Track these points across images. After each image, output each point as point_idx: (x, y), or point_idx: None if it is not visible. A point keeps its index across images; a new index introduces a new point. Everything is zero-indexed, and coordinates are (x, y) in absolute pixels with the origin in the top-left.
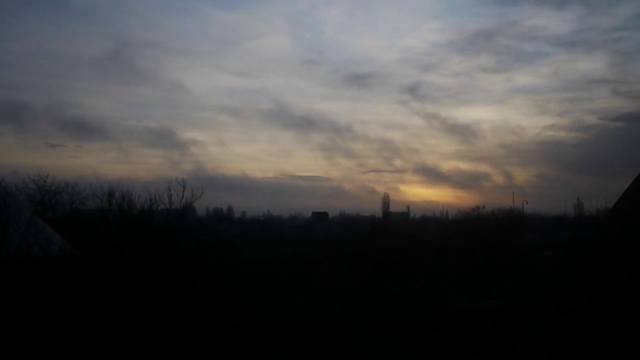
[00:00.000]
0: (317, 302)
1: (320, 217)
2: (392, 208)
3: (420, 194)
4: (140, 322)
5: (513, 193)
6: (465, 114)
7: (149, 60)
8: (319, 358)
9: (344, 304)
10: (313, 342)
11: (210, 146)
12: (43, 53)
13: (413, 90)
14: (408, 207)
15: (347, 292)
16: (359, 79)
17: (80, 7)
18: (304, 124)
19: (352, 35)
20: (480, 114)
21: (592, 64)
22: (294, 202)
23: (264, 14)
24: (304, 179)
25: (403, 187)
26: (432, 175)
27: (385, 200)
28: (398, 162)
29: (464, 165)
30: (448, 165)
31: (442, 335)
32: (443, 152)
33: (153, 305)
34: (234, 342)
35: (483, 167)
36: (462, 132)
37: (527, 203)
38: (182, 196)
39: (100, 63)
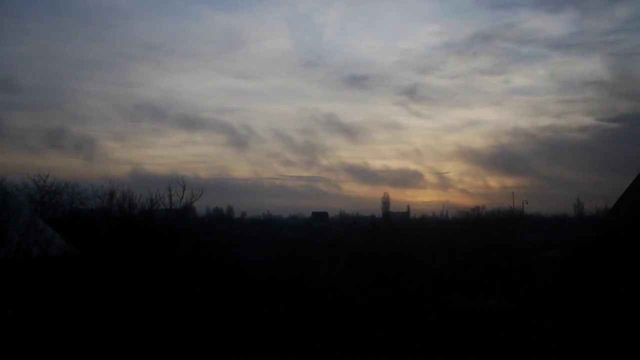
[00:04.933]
0: (317, 302)
1: (320, 217)
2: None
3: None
4: (140, 322)
5: (513, 193)
6: (463, 116)
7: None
8: (319, 358)
9: (344, 304)
10: (313, 342)
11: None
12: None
13: (411, 92)
14: (408, 207)
15: (347, 292)
16: (358, 81)
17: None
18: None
19: (351, 37)
20: (478, 116)
21: (588, 66)
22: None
23: (264, 17)
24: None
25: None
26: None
27: (385, 200)
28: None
29: (463, 166)
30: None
31: (442, 335)
32: (441, 153)
33: (153, 306)
34: (234, 342)
35: (482, 168)
36: (462, 132)
37: (527, 203)
38: (182, 196)
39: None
